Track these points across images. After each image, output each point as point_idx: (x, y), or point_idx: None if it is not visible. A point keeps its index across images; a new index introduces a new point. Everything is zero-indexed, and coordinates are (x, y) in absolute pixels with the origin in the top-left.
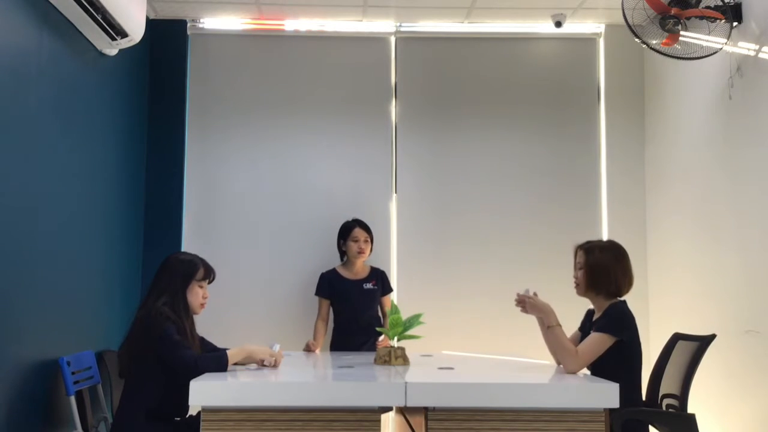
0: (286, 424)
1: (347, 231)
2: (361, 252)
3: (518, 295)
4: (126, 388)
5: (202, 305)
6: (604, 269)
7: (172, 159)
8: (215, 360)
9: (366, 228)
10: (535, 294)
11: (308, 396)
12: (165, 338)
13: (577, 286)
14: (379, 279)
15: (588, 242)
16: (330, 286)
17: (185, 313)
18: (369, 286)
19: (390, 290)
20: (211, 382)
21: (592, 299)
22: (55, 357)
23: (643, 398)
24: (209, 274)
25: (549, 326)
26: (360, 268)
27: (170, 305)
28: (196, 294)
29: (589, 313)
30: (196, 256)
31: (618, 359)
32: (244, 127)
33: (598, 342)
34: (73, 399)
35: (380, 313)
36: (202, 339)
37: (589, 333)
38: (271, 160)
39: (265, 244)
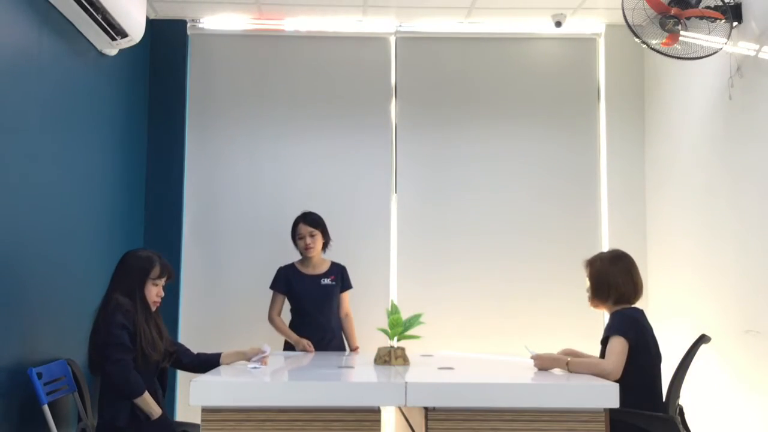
0: (286, 424)
1: (293, 228)
2: (307, 248)
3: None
4: (102, 386)
5: (155, 303)
6: (604, 277)
7: (172, 159)
8: (136, 387)
9: (312, 222)
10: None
11: (308, 396)
12: (111, 333)
13: (589, 299)
14: (339, 274)
15: (594, 255)
16: (286, 280)
17: (143, 309)
18: (327, 281)
19: (349, 287)
20: (211, 382)
21: (607, 310)
22: (55, 357)
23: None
24: (165, 273)
25: (567, 365)
26: (318, 263)
27: (129, 298)
28: (150, 292)
29: None
30: (154, 254)
31: (627, 363)
32: (244, 126)
33: (612, 344)
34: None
35: (339, 312)
36: (174, 342)
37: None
38: (270, 159)
39: (265, 244)
